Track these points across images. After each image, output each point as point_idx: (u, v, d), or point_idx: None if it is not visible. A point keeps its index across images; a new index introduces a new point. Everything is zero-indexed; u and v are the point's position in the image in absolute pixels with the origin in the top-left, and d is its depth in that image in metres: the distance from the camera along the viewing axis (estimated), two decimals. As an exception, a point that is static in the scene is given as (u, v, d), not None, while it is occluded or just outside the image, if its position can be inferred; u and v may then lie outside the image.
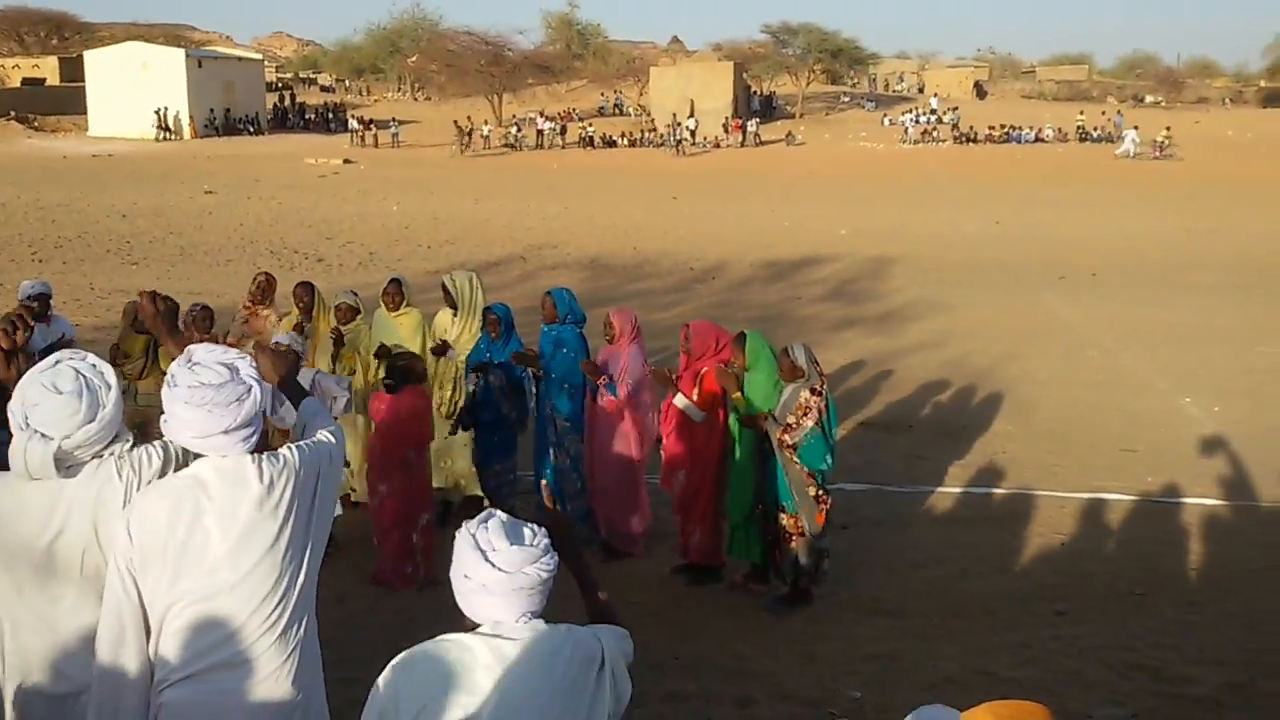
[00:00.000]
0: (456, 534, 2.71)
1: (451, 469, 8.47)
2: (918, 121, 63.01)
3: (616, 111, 72.21)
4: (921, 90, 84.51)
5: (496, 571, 2.60)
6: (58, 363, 3.13)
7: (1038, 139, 60.14)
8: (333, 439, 3.25)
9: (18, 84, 70.90)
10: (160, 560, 2.92)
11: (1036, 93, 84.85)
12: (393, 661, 2.69)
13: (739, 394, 6.89)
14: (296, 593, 3.04)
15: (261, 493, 2.96)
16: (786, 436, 6.61)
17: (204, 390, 2.91)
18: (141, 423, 5.92)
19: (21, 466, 3.04)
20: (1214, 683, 5.86)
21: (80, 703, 3.05)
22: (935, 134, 61.30)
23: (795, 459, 6.65)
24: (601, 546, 7.67)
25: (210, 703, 2.93)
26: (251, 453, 3.01)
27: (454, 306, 8.46)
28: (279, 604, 2.99)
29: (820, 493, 6.72)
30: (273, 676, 2.99)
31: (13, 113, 61.48)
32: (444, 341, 8.41)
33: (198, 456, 3.02)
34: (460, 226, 28.22)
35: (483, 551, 2.63)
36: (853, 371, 13.41)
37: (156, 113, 60.46)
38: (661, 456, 7.59)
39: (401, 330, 8.45)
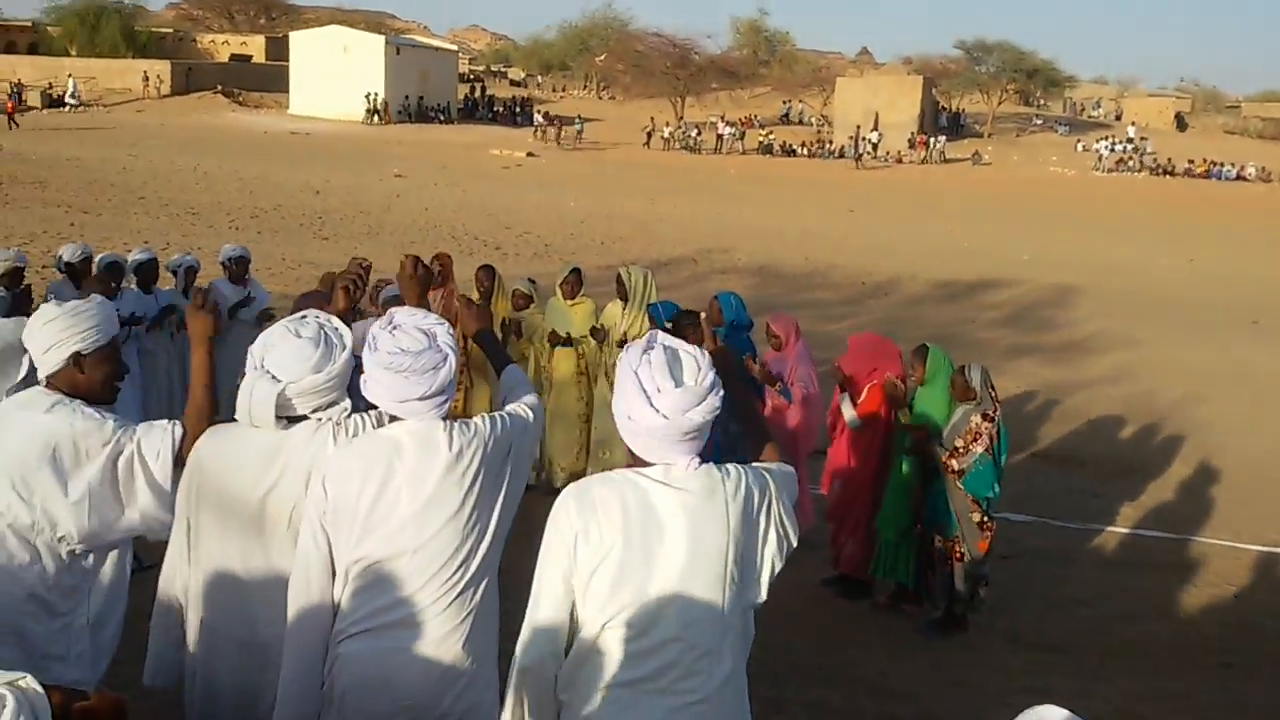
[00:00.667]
0: (618, 364, 2.66)
1: (610, 460, 8.43)
2: (1113, 149, 60.75)
3: (796, 120, 71.72)
4: (1119, 118, 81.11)
5: (659, 417, 2.56)
6: (305, 316, 3.31)
7: (1239, 177, 57.26)
8: (530, 413, 3.29)
9: (226, 60, 74.56)
10: (350, 517, 3.01)
11: (1240, 129, 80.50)
12: (568, 495, 2.69)
13: (906, 411, 6.78)
14: (477, 560, 3.07)
15: (450, 460, 3.02)
16: (954, 462, 6.48)
17: (403, 357, 2.98)
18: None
19: (245, 407, 3.19)
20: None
21: (269, 654, 3.17)
22: (1130, 163, 58.99)
23: (959, 484, 6.51)
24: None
25: (384, 659, 3.01)
26: (444, 419, 3.08)
27: (625, 299, 8.55)
28: (458, 570, 3.04)
29: (985, 519, 6.57)
30: (446, 639, 3.04)
31: (219, 87, 64.84)
32: (602, 325, 8.51)
33: (394, 419, 3.10)
34: (634, 224, 28.51)
35: (646, 394, 2.57)
36: (1027, 400, 13.05)
37: (367, 96, 62.68)
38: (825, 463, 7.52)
39: (575, 318, 8.61)
